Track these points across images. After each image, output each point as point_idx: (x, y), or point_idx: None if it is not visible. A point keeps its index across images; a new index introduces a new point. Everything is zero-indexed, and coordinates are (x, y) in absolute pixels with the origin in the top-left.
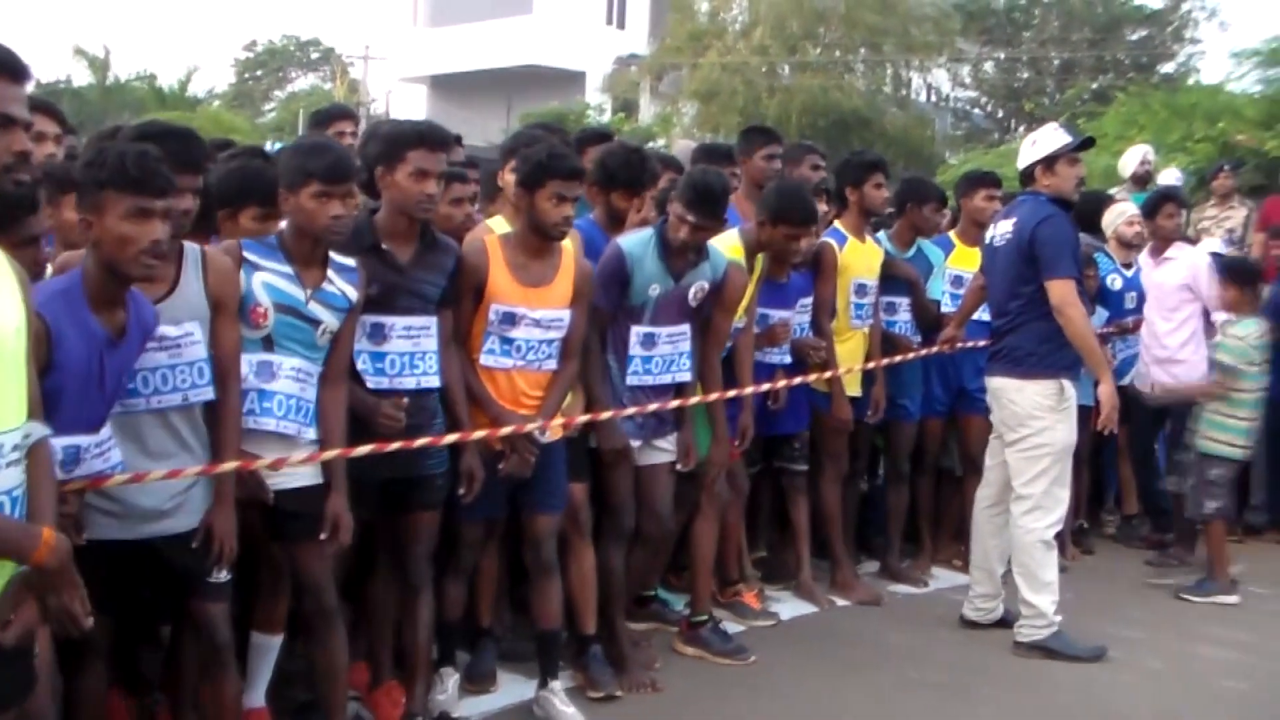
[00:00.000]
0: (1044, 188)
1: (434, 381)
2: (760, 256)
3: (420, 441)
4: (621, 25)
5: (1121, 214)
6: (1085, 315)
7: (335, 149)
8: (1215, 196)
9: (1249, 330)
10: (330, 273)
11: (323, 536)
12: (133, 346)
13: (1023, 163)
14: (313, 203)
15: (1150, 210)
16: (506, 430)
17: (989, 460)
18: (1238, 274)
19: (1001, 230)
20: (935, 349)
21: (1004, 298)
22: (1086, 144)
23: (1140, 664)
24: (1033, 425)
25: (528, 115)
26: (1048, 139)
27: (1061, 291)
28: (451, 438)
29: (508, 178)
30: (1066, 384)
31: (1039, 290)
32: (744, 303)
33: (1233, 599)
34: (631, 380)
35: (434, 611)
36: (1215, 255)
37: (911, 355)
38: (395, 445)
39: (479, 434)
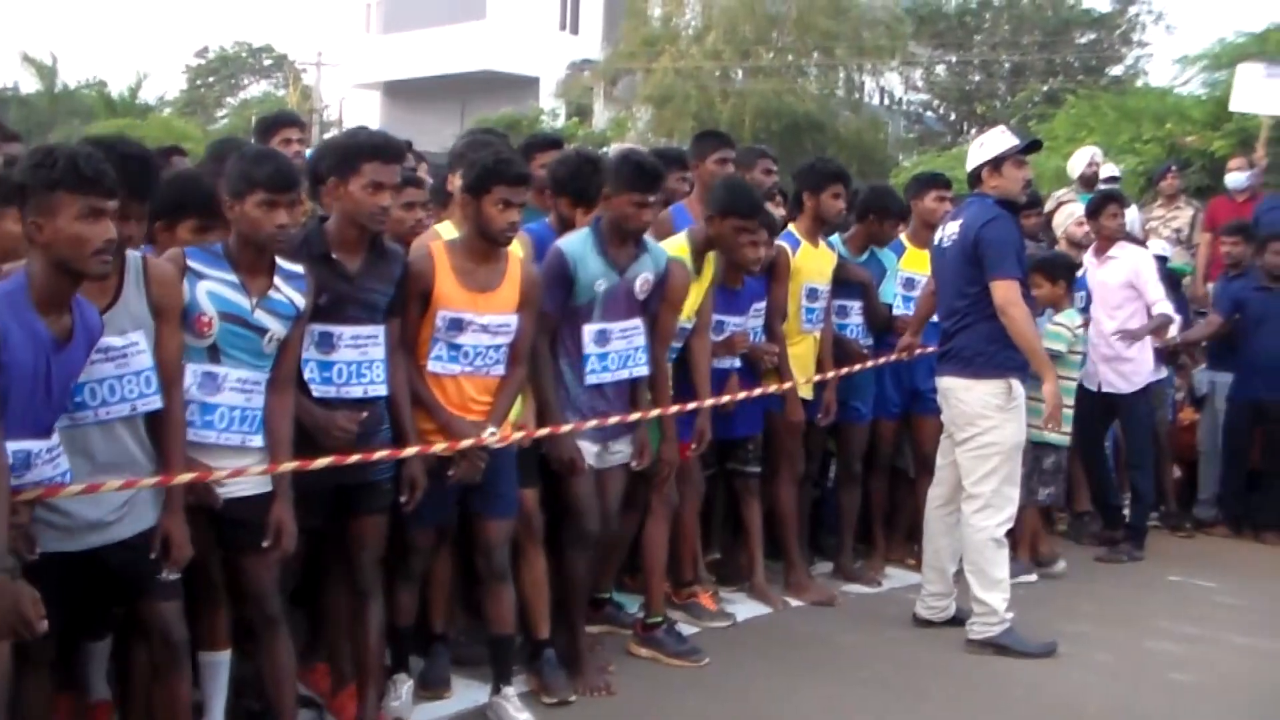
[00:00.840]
0: (990, 189)
1: (380, 390)
2: (711, 258)
3: (379, 454)
4: (575, 30)
5: (1071, 215)
6: (1028, 315)
7: (280, 158)
8: (1162, 197)
9: (1073, 320)
10: (277, 280)
11: (265, 544)
12: (79, 352)
13: (970, 164)
14: (258, 211)
15: (1093, 211)
16: (468, 442)
17: (940, 460)
18: (1050, 269)
19: (949, 232)
20: (894, 357)
21: (952, 298)
22: (1033, 146)
23: (1090, 658)
24: (981, 425)
25: (482, 120)
26: (995, 141)
27: (1005, 292)
28: (411, 450)
29: (456, 183)
30: (1015, 383)
31: (985, 291)
32: (695, 304)
33: (1031, 578)
34: (591, 379)
35: (384, 617)
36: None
37: (870, 364)
38: (355, 458)
39: (439, 446)
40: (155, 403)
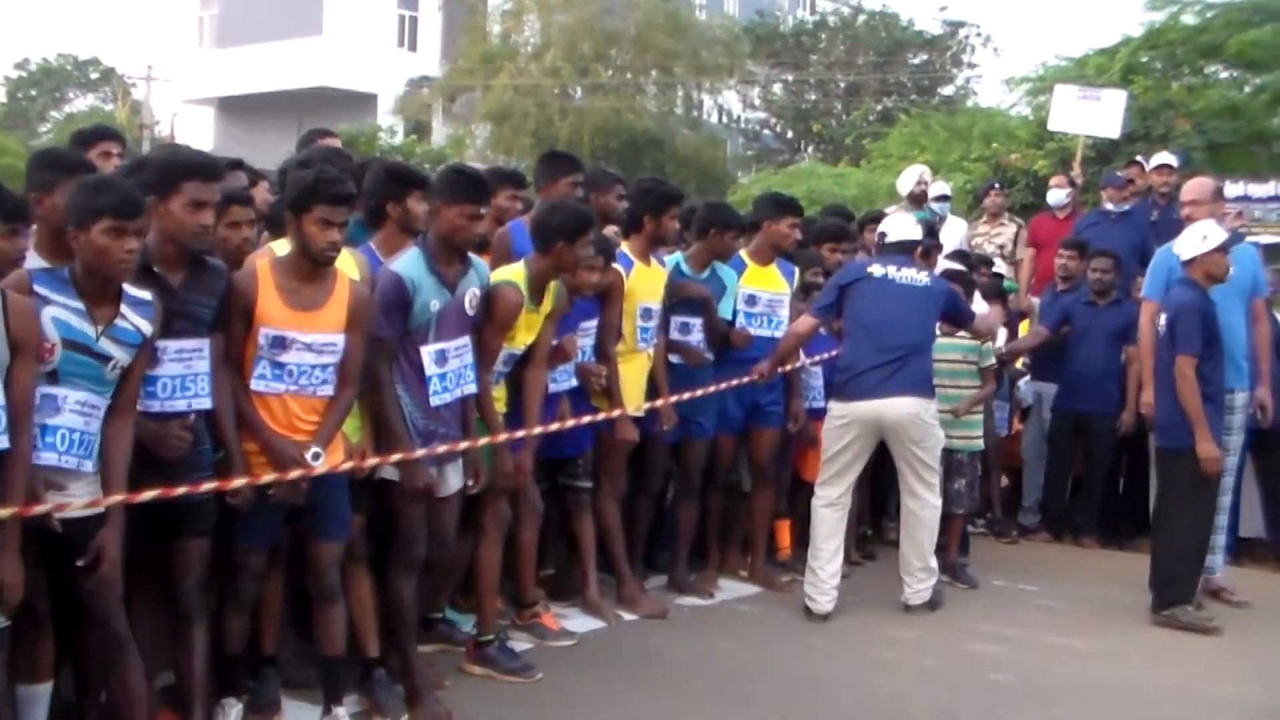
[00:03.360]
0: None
1: (205, 404)
2: (552, 289)
3: (206, 487)
4: (413, 47)
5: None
6: None
7: (124, 184)
8: (986, 214)
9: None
10: (124, 308)
11: (80, 563)
12: None
13: (900, 237)
14: (105, 239)
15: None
16: (295, 474)
17: (849, 477)
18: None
19: (907, 275)
20: (749, 379)
21: (911, 331)
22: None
23: (916, 663)
24: (938, 435)
25: None
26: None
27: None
28: (238, 482)
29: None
30: None
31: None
32: (532, 334)
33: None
34: (435, 401)
35: (208, 640)
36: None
37: (744, 380)
38: (181, 489)
39: (268, 477)
40: (2, 442)
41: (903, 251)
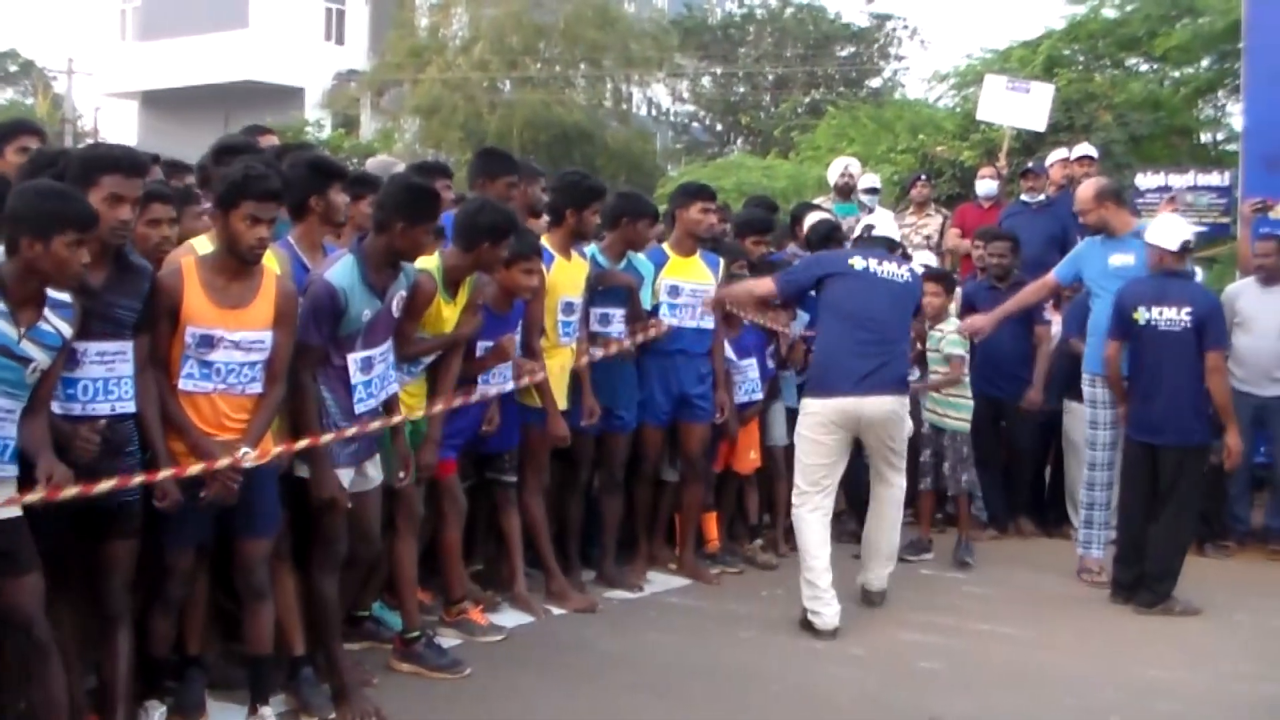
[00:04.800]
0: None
1: (129, 407)
2: (470, 281)
3: (137, 479)
4: (341, 40)
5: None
6: None
7: (79, 195)
8: (913, 205)
9: (956, 325)
10: (46, 311)
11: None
12: None
13: (886, 232)
14: (66, 251)
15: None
16: (224, 462)
17: (831, 478)
18: (945, 280)
19: (888, 270)
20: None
21: (893, 328)
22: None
23: (845, 652)
24: (908, 425)
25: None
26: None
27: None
28: (165, 473)
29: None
30: None
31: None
32: (450, 325)
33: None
34: (360, 408)
35: (133, 641)
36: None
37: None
38: (109, 483)
39: (195, 468)
40: None
41: (885, 247)
